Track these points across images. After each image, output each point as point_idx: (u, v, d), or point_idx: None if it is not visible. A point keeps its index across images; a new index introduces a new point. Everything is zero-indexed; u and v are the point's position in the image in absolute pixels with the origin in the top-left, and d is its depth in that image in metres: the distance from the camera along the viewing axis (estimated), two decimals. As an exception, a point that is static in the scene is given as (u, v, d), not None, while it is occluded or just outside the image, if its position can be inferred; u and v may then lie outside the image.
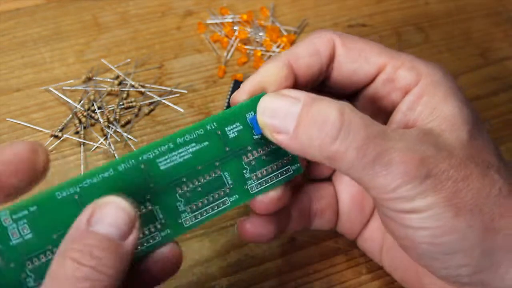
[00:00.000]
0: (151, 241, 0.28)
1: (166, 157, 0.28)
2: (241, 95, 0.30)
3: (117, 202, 0.25)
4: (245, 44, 0.50)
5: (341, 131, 0.26)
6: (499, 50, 0.52)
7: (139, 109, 0.45)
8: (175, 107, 0.45)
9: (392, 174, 0.26)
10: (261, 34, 0.50)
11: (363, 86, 0.32)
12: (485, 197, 0.27)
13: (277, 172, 0.31)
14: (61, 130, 0.43)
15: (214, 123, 0.29)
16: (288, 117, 0.27)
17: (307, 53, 0.31)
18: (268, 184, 0.30)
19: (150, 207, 0.28)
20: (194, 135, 0.29)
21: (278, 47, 0.49)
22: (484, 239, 0.27)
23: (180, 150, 0.29)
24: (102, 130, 0.43)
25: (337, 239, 0.39)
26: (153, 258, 0.28)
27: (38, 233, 0.26)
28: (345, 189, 0.35)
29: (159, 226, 0.28)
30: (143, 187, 0.28)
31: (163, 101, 0.45)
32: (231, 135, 0.29)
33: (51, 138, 0.42)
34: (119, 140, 0.43)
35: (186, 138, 0.29)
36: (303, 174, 0.35)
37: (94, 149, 0.42)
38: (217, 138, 0.29)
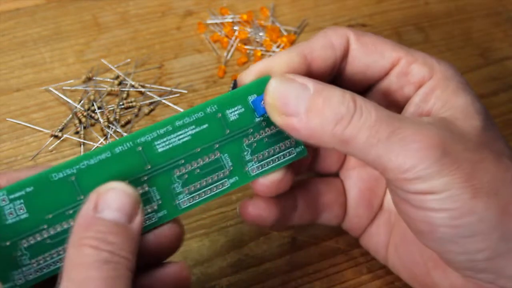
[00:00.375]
0: (147, 221, 0.28)
1: (164, 139, 0.28)
2: (248, 76, 0.30)
3: (119, 187, 0.26)
4: (245, 44, 0.50)
5: (355, 115, 0.27)
6: (499, 50, 0.52)
7: (139, 109, 0.45)
8: (175, 107, 0.45)
9: (408, 152, 0.26)
10: (261, 34, 0.50)
11: (376, 80, 0.32)
12: (501, 181, 0.27)
13: (280, 154, 0.30)
14: (61, 130, 0.43)
15: (215, 106, 0.29)
16: (300, 100, 0.27)
17: (322, 46, 0.31)
18: (269, 166, 0.30)
19: (146, 188, 0.28)
20: (194, 118, 0.29)
21: (278, 47, 0.49)
22: (501, 222, 0.27)
23: (179, 133, 0.29)
24: (102, 130, 0.43)
25: (337, 239, 0.39)
26: (154, 235, 0.28)
27: (34, 213, 0.26)
28: (353, 184, 0.35)
29: (155, 207, 0.28)
30: (140, 169, 0.28)
31: (163, 101, 0.45)
32: (232, 118, 0.29)
33: (51, 138, 0.42)
34: (119, 140, 0.43)
35: (185, 120, 0.29)
36: (310, 169, 0.35)
37: (94, 149, 0.42)
38: (217, 120, 0.29)
